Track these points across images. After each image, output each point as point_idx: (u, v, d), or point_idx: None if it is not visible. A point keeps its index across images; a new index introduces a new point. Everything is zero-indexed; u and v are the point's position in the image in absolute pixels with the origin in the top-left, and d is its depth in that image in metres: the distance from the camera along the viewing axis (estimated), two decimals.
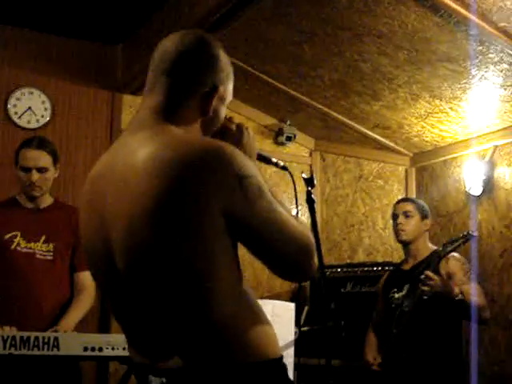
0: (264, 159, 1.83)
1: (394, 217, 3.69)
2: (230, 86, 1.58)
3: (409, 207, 3.65)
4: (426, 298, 3.27)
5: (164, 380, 1.43)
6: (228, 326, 1.40)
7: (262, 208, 1.39)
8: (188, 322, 1.40)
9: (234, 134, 1.61)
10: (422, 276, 3.26)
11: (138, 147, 1.42)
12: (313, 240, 1.48)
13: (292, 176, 1.89)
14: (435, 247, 3.62)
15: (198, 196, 1.33)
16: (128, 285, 1.44)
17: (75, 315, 3.22)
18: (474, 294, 3.33)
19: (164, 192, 1.34)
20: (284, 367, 1.49)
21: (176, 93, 1.49)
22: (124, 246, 1.41)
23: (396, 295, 3.56)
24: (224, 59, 1.55)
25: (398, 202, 3.83)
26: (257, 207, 1.39)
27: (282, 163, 1.89)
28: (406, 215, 3.61)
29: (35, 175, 3.18)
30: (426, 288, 3.25)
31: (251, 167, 1.41)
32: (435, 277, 3.24)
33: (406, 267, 3.66)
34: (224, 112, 1.59)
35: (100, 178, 1.51)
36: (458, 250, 3.40)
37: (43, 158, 3.19)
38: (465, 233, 3.39)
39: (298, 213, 1.76)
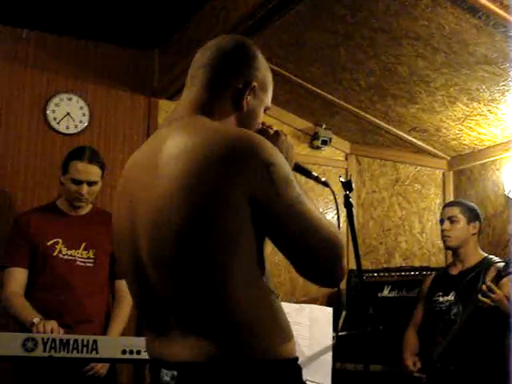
0: (304, 172, 1.83)
1: (441, 222, 3.63)
2: (268, 91, 1.61)
3: (454, 211, 3.58)
4: (482, 307, 3.16)
5: (175, 373, 1.42)
6: (243, 321, 1.38)
7: (289, 197, 1.38)
8: (203, 315, 1.39)
9: (271, 141, 1.62)
10: (483, 286, 3.15)
11: (168, 136, 1.46)
12: (343, 242, 1.45)
13: (333, 192, 1.88)
14: (485, 254, 3.55)
15: (223, 182, 1.33)
16: (148, 268, 1.44)
17: (118, 328, 3.27)
18: None
19: (190, 176, 1.35)
20: (298, 369, 1.47)
21: (212, 85, 1.53)
22: (147, 231, 1.42)
23: (441, 299, 3.49)
24: (261, 61, 1.60)
25: (445, 205, 3.78)
26: (284, 195, 1.37)
27: (323, 178, 1.88)
28: (451, 220, 3.55)
29: (85, 188, 3.22)
30: (486, 300, 3.14)
31: (280, 157, 1.41)
32: (498, 290, 3.13)
33: (454, 272, 3.58)
34: (261, 114, 1.61)
35: (134, 166, 1.56)
36: None
37: (94, 173, 3.24)
38: None
39: (339, 218, 1.76)
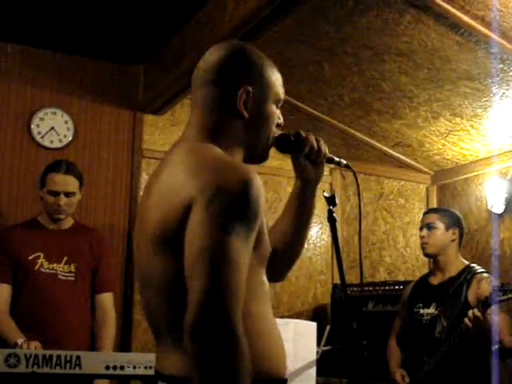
0: (328, 160, 1.83)
1: (420, 230, 3.59)
2: (274, 85, 1.58)
3: (432, 218, 3.54)
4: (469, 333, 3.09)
5: None
6: None
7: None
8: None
9: (314, 148, 1.69)
10: (470, 312, 3.06)
11: (169, 161, 1.49)
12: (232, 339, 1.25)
13: (356, 176, 1.87)
14: (467, 262, 3.50)
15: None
16: (143, 289, 1.51)
17: (108, 348, 3.26)
18: (503, 330, 3.18)
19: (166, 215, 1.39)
20: None
21: (209, 105, 1.53)
22: (140, 272, 1.49)
23: (421, 311, 3.44)
24: (255, 60, 1.56)
25: (424, 213, 3.76)
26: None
27: (344, 161, 1.87)
28: (429, 227, 3.50)
29: (63, 199, 3.23)
30: (472, 327, 3.05)
31: (250, 222, 1.33)
32: (483, 319, 3.04)
33: (434, 282, 3.53)
34: (274, 110, 1.58)
35: (145, 191, 1.58)
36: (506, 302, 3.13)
37: (71, 183, 3.25)
38: None
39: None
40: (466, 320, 3.07)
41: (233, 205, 1.30)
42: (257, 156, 1.60)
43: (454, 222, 3.54)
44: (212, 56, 1.56)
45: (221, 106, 1.52)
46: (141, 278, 1.51)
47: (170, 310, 1.42)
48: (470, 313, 3.06)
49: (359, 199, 1.91)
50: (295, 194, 1.79)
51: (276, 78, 1.60)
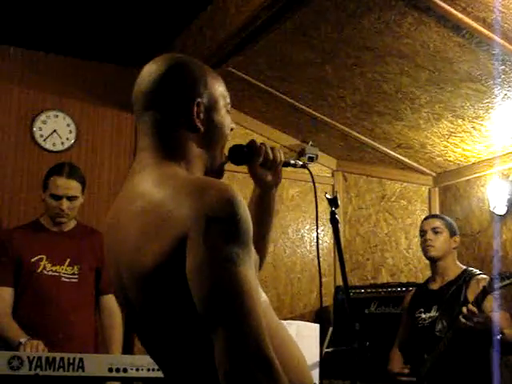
0: (284, 164, 1.82)
1: (422, 233, 3.60)
2: (220, 95, 1.52)
3: (437, 223, 3.57)
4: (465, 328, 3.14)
5: None
6: None
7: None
8: (187, 364, 1.35)
9: (269, 157, 1.67)
10: (464, 309, 3.12)
11: (136, 191, 1.40)
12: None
13: (312, 174, 1.81)
14: (464, 267, 3.55)
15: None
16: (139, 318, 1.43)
17: (118, 350, 3.27)
18: (504, 325, 3.20)
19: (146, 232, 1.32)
20: None
21: (161, 123, 1.45)
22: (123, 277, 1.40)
23: (423, 315, 3.48)
24: (195, 71, 1.49)
25: (427, 218, 3.77)
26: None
27: (300, 162, 1.85)
28: (435, 231, 3.53)
29: (65, 203, 3.22)
30: (467, 322, 3.11)
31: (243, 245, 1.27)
32: (479, 314, 3.10)
33: (434, 287, 3.57)
34: (226, 117, 1.52)
35: (111, 225, 1.49)
36: (506, 288, 3.19)
37: (74, 187, 3.24)
38: None
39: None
40: (461, 316, 3.12)
41: (229, 232, 1.23)
42: (216, 170, 1.53)
43: (455, 231, 3.61)
44: (151, 76, 1.48)
45: (172, 125, 1.45)
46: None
47: (158, 351, 1.39)
48: (464, 309, 3.12)
49: (315, 198, 1.87)
50: (255, 199, 1.76)
51: (219, 83, 1.53)
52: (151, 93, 1.47)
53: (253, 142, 1.69)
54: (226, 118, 1.52)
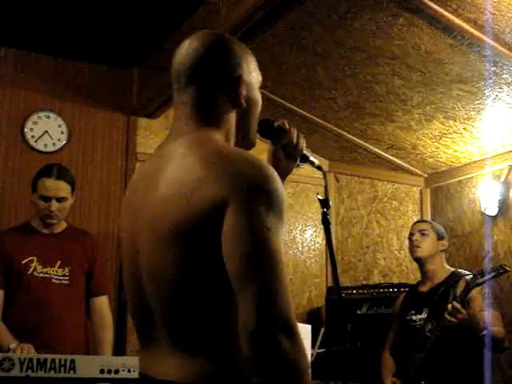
0: (302, 157, 1.85)
1: (410, 236, 3.68)
2: (256, 71, 1.59)
3: (424, 226, 3.67)
4: (451, 325, 3.19)
5: None
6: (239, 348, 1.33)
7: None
8: (199, 334, 1.36)
9: (293, 141, 1.74)
10: (449, 306, 3.18)
11: (173, 155, 1.44)
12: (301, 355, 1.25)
13: (325, 175, 1.92)
14: (453, 269, 3.59)
15: (217, 214, 1.30)
16: (145, 280, 1.43)
17: (109, 353, 3.27)
18: (493, 323, 3.24)
19: (186, 203, 1.33)
20: None
21: (203, 97, 1.50)
22: (147, 246, 1.41)
23: (414, 317, 3.51)
24: (240, 49, 1.55)
25: (414, 222, 3.87)
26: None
27: (317, 162, 1.92)
28: (422, 233, 3.61)
29: (55, 205, 3.22)
30: (452, 319, 3.17)
31: (280, 212, 1.33)
32: (463, 310, 3.16)
33: (424, 289, 3.62)
34: (259, 96, 1.59)
35: (137, 183, 1.54)
36: (489, 283, 3.27)
37: (63, 188, 3.24)
38: (498, 266, 3.25)
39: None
40: (446, 313, 3.18)
41: (270, 203, 1.30)
42: (249, 142, 1.59)
43: (444, 235, 3.66)
44: (195, 51, 1.53)
45: (215, 99, 1.50)
46: (144, 271, 1.43)
47: (178, 311, 1.37)
48: (450, 305, 3.17)
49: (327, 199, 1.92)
50: None
51: (254, 60, 1.60)
52: (195, 67, 1.51)
53: (283, 122, 1.76)
54: (260, 95, 1.60)
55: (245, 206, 1.28)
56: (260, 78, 1.60)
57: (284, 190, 1.36)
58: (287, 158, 1.79)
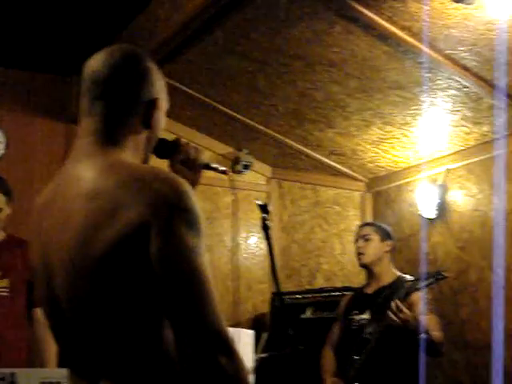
0: (205, 167, 1.86)
1: (355, 241, 3.72)
2: (162, 89, 1.55)
3: (367, 230, 3.69)
4: (392, 325, 3.23)
5: None
6: (174, 359, 1.33)
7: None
8: (137, 354, 1.33)
9: (190, 156, 1.72)
10: (392, 304, 3.22)
11: (79, 177, 1.40)
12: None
13: (228, 175, 1.94)
14: (399, 273, 3.63)
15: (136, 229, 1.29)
16: (64, 304, 1.39)
17: (53, 360, 3.21)
18: (432, 327, 3.29)
19: (104, 217, 1.31)
20: None
21: (114, 114, 1.45)
22: (62, 269, 1.37)
23: (356, 317, 3.54)
24: (154, 70, 1.52)
25: (359, 226, 3.91)
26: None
27: (222, 168, 1.91)
28: (365, 238, 3.64)
29: None
30: (394, 318, 3.21)
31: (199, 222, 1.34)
32: (406, 310, 3.20)
33: (369, 291, 3.65)
34: (164, 120, 1.56)
35: (45, 209, 1.50)
36: (429, 287, 3.34)
37: None
38: (435, 272, 3.33)
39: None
40: (389, 311, 3.21)
41: (190, 222, 1.30)
42: (147, 162, 1.56)
43: (388, 235, 3.69)
44: (106, 66, 1.48)
45: (123, 117, 1.46)
46: (64, 302, 1.38)
47: (103, 338, 1.34)
48: (393, 304, 3.21)
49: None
50: None
51: (162, 80, 1.56)
52: (106, 83, 1.47)
53: (177, 139, 1.75)
54: (164, 119, 1.57)
55: (166, 229, 1.28)
56: (167, 104, 1.57)
57: (198, 204, 1.35)
58: (190, 172, 1.76)
